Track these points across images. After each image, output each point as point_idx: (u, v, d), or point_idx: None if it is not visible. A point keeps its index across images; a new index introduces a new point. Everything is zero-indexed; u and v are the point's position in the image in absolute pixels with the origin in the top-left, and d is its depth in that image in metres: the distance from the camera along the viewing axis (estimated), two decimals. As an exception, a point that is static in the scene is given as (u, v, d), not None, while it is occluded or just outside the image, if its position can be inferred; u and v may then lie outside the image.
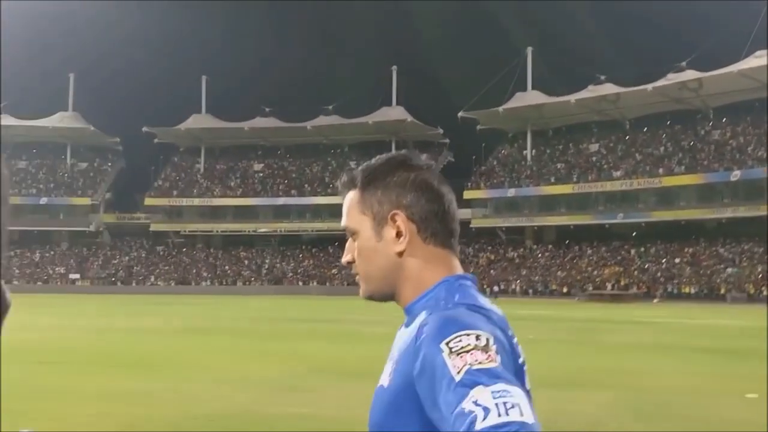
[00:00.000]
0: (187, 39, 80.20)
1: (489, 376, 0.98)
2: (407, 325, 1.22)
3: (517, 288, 53.47)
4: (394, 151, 1.35)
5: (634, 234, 59.67)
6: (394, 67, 70.98)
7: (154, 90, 77.41)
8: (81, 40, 77.73)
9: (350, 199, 1.29)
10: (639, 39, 68.88)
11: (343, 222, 1.30)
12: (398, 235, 1.23)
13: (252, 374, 11.09)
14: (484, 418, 0.93)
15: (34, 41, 79.24)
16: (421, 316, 1.15)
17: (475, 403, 0.95)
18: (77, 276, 63.90)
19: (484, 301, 1.19)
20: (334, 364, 12.43)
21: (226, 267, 66.36)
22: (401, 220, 1.23)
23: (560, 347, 14.96)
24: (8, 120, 72.84)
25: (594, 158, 62.96)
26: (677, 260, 53.54)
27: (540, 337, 16.20)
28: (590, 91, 61.93)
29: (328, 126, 71.89)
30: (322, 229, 66.73)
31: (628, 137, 63.59)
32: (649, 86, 58.05)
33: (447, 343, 1.03)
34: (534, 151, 66.76)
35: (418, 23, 78.32)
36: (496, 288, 52.55)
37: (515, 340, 1.16)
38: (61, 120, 73.78)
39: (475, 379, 0.97)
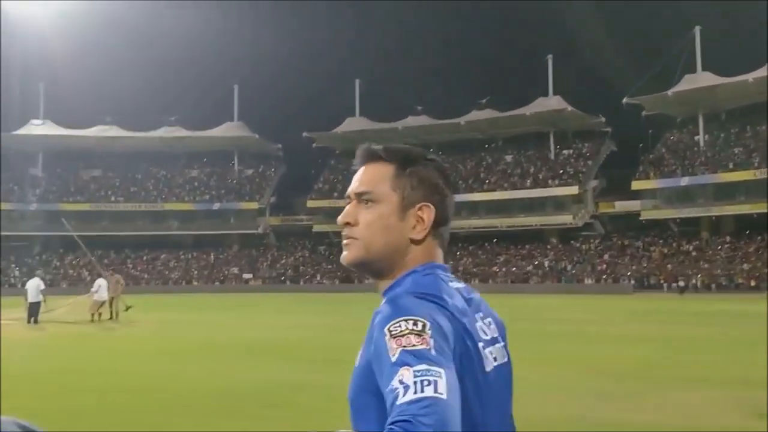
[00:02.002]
0: (339, 44, 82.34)
1: (416, 357, 1.11)
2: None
3: (698, 283, 50.06)
4: (415, 147, 1.44)
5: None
6: (550, 56, 68.97)
7: (311, 96, 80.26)
8: (242, 54, 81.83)
9: (380, 170, 1.39)
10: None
11: (363, 187, 1.39)
12: (418, 223, 1.36)
13: (550, 379, 10.05)
14: (404, 395, 1.06)
15: (200, 59, 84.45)
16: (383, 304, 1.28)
17: (400, 381, 1.09)
18: (250, 276, 67.17)
19: (445, 290, 1.30)
20: (616, 367, 11.42)
21: (387, 266, 67.16)
22: (428, 213, 1.36)
23: None
24: (181, 132, 78.03)
25: (777, 140, 57.93)
26: None
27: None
28: (769, 69, 57.06)
29: (482, 120, 71.03)
30: (479, 225, 66.01)
31: (815, 116, 58.07)
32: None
33: (389, 328, 1.17)
34: (707, 136, 62.51)
35: (572, 7, 75.56)
36: (681, 283, 49.19)
37: (486, 320, 1.35)
38: (227, 130, 77.95)
39: (403, 359, 1.11)
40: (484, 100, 71.21)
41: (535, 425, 6.67)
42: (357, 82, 76.05)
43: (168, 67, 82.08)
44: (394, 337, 1.15)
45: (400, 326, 1.16)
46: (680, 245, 58.34)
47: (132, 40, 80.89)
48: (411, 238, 1.36)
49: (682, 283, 48.86)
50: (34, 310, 20.40)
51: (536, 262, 61.54)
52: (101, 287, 21.51)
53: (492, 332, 1.35)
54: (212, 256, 73.14)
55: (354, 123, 75.45)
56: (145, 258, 73.00)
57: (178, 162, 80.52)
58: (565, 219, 64.26)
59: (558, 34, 75.58)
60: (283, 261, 71.05)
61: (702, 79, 60.56)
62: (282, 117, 78.83)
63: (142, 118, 76.04)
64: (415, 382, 1.08)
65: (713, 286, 49.33)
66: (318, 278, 65.76)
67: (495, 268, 62.05)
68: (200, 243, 75.01)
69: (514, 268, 61.66)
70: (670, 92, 60.39)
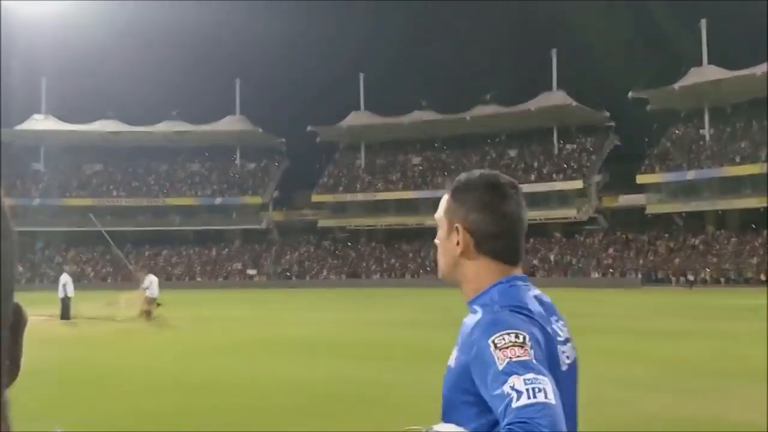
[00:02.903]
0: (343, 38, 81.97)
1: (523, 367, 1.27)
2: (468, 316, 1.52)
3: (708, 277, 50.04)
4: (485, 172, 1.65)
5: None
6: (554, 50, 68.79)
7: (314, 90, 79.86)
8: (245, 47, 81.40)
9: (443, 200, 1.65)
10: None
11: (436, 214, 1.66)
12: (458, 243, 1.56)
13: (620, 374, 10.04)
14: (518, 400, 1.23)
15: (202, 52, 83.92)
16: (478, 314, 1.46)
17: (512, 387, 1.25)
18: (254, 272, 66.84)
19: (529, 300, 1.49)
20: (689, 363, 11.36)
21: (392, 260, 67.02)
22: (461, 232, 1.56)
23: None
24: (182, 126, 77.55)
25: (783, 134, 57.91)
26: None
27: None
28: (776, 62, 57.02)
29: (488, 116, 70.81)
30: (484, 220, 65.72)
31: (821, 110, 58.05)
32: None
33: (493, 340, 1.34)
34: (712, 130, 62.47)
35: (577, 0, 75.31)
36: (690, 277, 49.09)
37: (560, 323, 1.51)
38: (229, 123, 77.49)
39: (512, 369, 1.27)
40: (488, 96, 71.00)
41: (652, 425, 6.53)
42: (361, 76, 75.66)
43: (169, 60, 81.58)
44: (500, 349, 1.32)
45: (503, 339, 1.33)
46: (686, 239, 58.34)
47: (134, 34, 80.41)
48: (455, 255, 1.56)
49: (691, 277, 48.80)
50: (62, 306, 20.16)
51: (541, 256, 61.49)
52: (153, 283, 20.60)
53: (565, 333, 1.52)
54: (214, 252, 72.81)
55: (359, 117, 75.07)
56: (147, 254, 72.58)
57: (179, 156, 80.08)
58: (569, 213, 64.23)
59: (562, 28, 75.40)
60: (287, 256, 70.75)
61: (708, 72, 60.48)
62: (285, 111, 78.49)
63: (144, 112, 75.63)
64: (527, 389, 1.23)
65: (722, 280, 49.32)
66: (324, 274, 65.49)
67: (501, 263, 61.93)
68: (201, 238, 74.62)
69: (519, 263, 61.59)
70: (676, 86, 60.33)
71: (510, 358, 1.29)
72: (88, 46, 76.03)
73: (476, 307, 1.50)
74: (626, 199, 63.14)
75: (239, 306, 29.87)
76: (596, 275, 55.17)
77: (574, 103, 65.53)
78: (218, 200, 74.85)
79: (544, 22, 77.45)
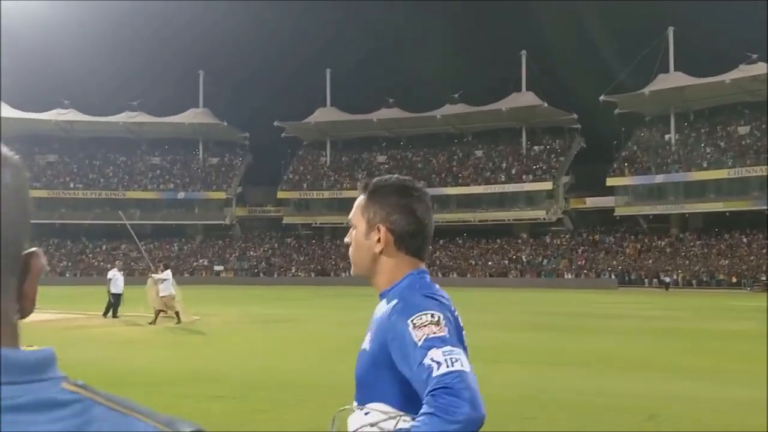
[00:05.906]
0: (310, 33, 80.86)
1: (440, 341, 1.47)
2: (382, 304, 1.71)
3: (679, 279, 50.99)
4: (399, 176, 1.80)
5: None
6: (524, 52, 69.22)
7: (279, 85, 78.45)
8: (209, 39, 79.43)
9: (358, 200, 1.80)
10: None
11: (349, 216, 1.81)
12: (379, 240, 1.72)
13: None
14: (438, 369, 1.41)
15: (164, 41, 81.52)
16: (394, 301, 1.64)
17: (432, 359, 1.43)
18: (221, 268, 65.24)
19: (437, 289, 1.68)
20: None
21: (360, 258, 66.33)
22: (383, 231, 1.72)
23: None
24: (143, 117, 75.15)
25: (747, 141, 59.61)
26: None
27: None
28: (742, 71, 58.67)
29: (457, 115, 70.77)
30: (452, 220, 65.49)
31: (782, 119, 59.92)
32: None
33: (412, 321, 1.53)
34: (677, 134, 63.87)
35: (547, 3, 76.05)
36: (667, 279, 49.77)
37: (457, 313, 1.67)
38: (193, 116, 75.44)
39: (431, 343, 1.46)
40: (456, 95, 70.94)
41: None
42: (328, 71, 74.66)
43: (130, 49, 79.13)
44: (418, 327, 1.50)
45: (421, 318, 1.52)
46: (652, 241, 59.46)
47: (92, 18, 77.38)
48: (375, 252, 1.72)
49: (667, 279, 49.55)
50: (108, 302, 19.24)
51: (513, 257, 61.77)
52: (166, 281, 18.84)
53: (461, 322, 1.68)
54: (176, 247, 70.86)
55: (325, 113, 74.07)
56: (104, 248, 70.15)
57: (139, 148, 77.65)
58: (538, 214, 64.71)
59: (532, 29, 76.00)
60: (252, 253, 69.34)
61: (674, 78, 61.72)
62: (249, 105, 76.95)
63: (102, 101, 73.06)
64: (445, 360, 1.42)
65: (693, 282, 50.30)
66: (293, 271, 64.36)
67: (471, 262, 61.99)
68: (160, 233, 72.49)
69: (489, 263, 61.75)
70: (646, 91, 61.38)
71: (427, 334, 1.47)
72: (44, 31, 73.03)
73: (391, 296, 1.67)
74: (594, 201, 63.91)
75: (243, 304, 28.75)
76: (569, 276, 55.65)
77: (544, 104, 65.98)
78: (181, 194, 72.87)
79: (515, 23, 77.88)
